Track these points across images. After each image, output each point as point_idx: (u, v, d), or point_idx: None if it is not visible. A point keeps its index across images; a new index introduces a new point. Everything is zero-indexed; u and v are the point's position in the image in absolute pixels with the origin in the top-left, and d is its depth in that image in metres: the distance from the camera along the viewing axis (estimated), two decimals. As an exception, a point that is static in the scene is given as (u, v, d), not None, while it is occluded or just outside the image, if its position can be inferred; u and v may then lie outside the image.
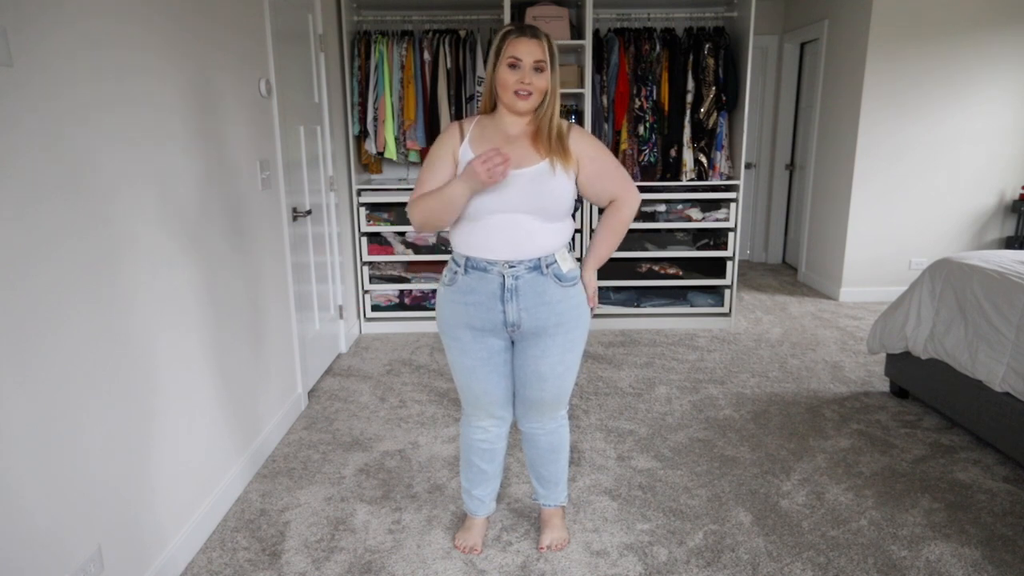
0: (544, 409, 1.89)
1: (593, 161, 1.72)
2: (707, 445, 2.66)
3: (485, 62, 3.98)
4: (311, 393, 3.21)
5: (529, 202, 1.64)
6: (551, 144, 1.66)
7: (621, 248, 3.99)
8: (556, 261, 1.73)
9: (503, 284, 1.70)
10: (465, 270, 1.73)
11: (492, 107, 1.75)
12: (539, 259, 1.70)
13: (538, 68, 1.62)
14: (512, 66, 1.62)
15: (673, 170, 4.10)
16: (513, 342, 1.83)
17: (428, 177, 1.70)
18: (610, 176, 1.75)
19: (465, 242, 1.71)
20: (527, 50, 1.61)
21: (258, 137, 2.59)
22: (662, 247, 4.13)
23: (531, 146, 1.68)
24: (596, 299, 1.84)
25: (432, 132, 3.99)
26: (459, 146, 1.70)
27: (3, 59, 1.30)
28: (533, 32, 1.63)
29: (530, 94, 1.63)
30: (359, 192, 3.97)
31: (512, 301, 1.71)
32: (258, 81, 2.59)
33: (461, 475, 2.04)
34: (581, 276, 1.81)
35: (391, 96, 3.94)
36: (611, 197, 1.77)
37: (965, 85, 4.47)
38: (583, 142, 1.72)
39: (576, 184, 1.73)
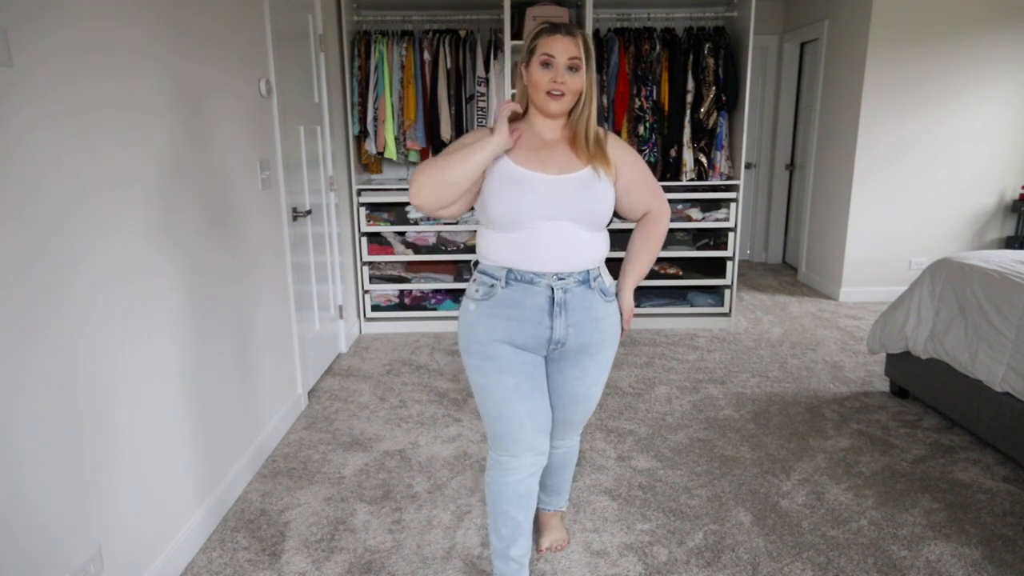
0: (568, 430, 1.82)
1: (631, 169, 1.63)
2: (707, 445, 2.66)
3: (485, 62, 4.01)
4: (311, 393, 3.21)
5: (575, 209, 1.53)
6: (590, 149, 1.57)
7: (622, 248, 3.99)
8: (601, 274, 1.64)
9: (552, 297, 1.57)
10: (506, 282, 1.58)
11: (524, 111, 1.63)
12: (587, 271, 1.60)
13: (573, 67, 1.51)
14: (545, 64, 1.51)
15: (673, 170, 4.10)
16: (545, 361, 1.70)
17: (441, 157, 1.54)
18: (647, 186, 1.67)
19: (506, 254, 1.57)
20: (561, 47, 1.50)
21: (258, 137, 2.59)
22: (662, 247, 4.12)
23: (571, 151, 1.58)
24: (631, 320, 1.73)
25: (432, 132, 3.99)
26: None
27: (3, 59, 1.30)
28: (568, 29, 1.53)
29: (562, 95, 1.52)
30: (359, 192, 3.97)
31: (561, 316, 1.58)
32: (258, 81, 2.59)
33: (491, 535, 1.76)
34: (617, 294, 1.72)
35: (391, 96, 3.94)
36: (646, 208, 1.68)
37: (965, 85, 4.47)
38: (620, 149, 1.64)
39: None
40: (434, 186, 1.47)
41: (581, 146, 1.57)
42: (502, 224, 1.55)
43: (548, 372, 1.71)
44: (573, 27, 1.54)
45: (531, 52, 1.54)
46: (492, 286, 1.59)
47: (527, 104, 1.61)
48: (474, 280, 1.65)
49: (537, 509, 2.06)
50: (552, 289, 1.57)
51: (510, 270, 1.58)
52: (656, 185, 1.69)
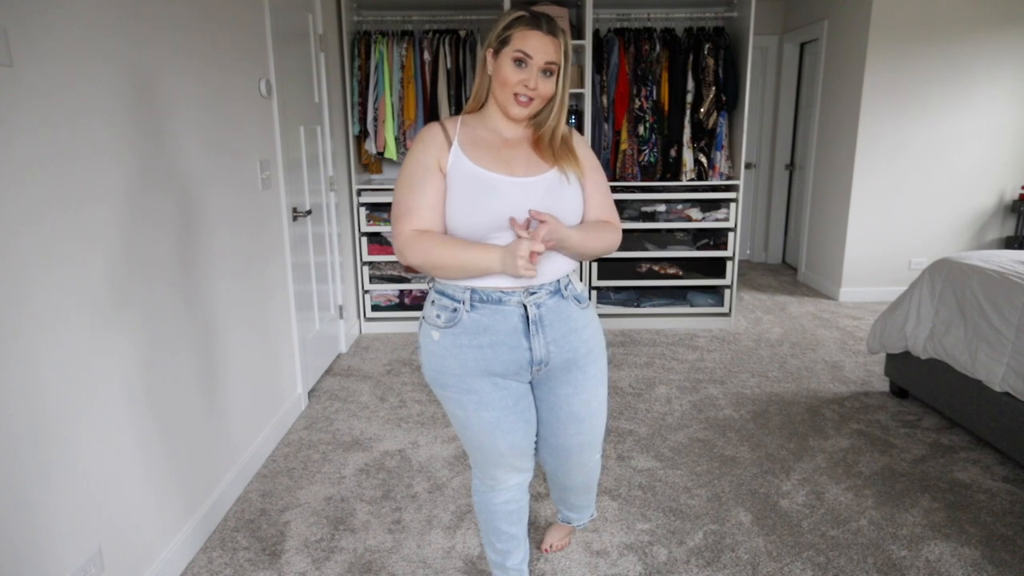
0: (580, 455, 1.64)
1: (596, 173, 1.51)
2: (707, 445, 2.66)
3: (485, 62, 4.01)
4: (311, 393, 3.21)
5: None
6: (555, 150, 1.43)
7: (621, 248, 3.99)
8: (571, 281, 1.52)
9: (525, 316, 1.42)
10: (470, 305, 1.41)
11: (483, 102, 1.47)
12: (558, 281, 1.47)
13: (548, 71, 1.36)
14: (518, 61, 1.34)
15: (673, 170, 4.10)
16: (531, 384, 1.56)
17: (416, 199, 1.37)
18: (605, 196, 1.52)
19: None
20: (540, 47, 1.33)
21: (258, 137, 2.59)
22: (662, 247, 4.13)
23: (535, 152, 1.44)
24: (547, 236, 1.33)
25: (432, 132, 3.98)
26: (447, 153, 1.39)
27: (3, 59, 1.30)
28: (550, 26, 1.35)
29: (531, 100, 1.37)
30: (359, 192, 3.97)
31: (539, 335, 1.44)
32: (258, 81, 2.59)
33: (487, 549, 1.74)
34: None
35: (391, 96, 3.94)
36: (597, 219, 1.51)
37: (965, 85, 4.48)
38: (586, 149, 1.52)
39: None
40: (430, 270, 1.38)
41: (545, 147, 1.43)
42: (462, 235, 1.38)
43: (539, 396, 1.57)
44: (555, 24, 1.36)
45: (503, 42, 1.36)
46: (455, 310, 1.43)
47: (486, 95, 1.45)
48: (432, 302, 1.48)
49: (556, 519, 2.02)
50: (524, 307, 1.42)
51: (474, 290, 1.41)
52: (612, 200, 1.54)
